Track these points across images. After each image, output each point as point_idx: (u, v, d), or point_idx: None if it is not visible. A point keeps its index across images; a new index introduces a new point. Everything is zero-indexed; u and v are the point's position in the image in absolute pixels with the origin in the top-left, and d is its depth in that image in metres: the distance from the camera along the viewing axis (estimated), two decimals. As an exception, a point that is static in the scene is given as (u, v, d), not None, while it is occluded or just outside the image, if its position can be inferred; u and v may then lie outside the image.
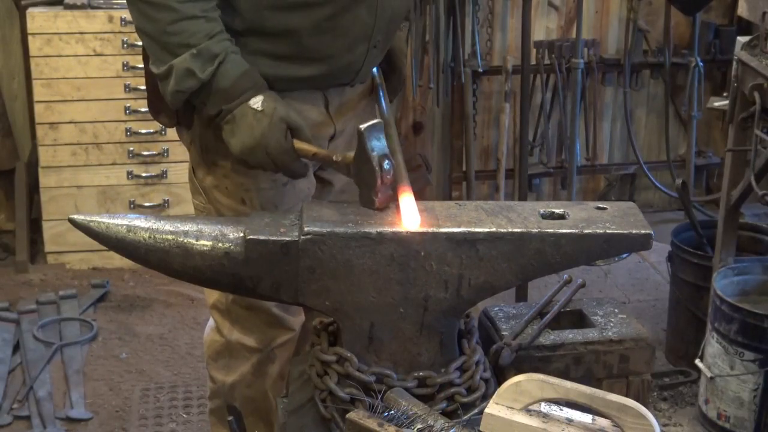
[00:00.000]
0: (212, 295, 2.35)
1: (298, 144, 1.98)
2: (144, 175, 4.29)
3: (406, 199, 1.81)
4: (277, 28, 2.04)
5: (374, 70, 2.28)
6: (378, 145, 1.82)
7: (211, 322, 2.44)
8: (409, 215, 1.79)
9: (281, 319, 2.31)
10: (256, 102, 1.97)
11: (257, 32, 2.05)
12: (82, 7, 4.12)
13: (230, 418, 2.11)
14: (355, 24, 2.06)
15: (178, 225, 1.83)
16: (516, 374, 1.67)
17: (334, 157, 1.93)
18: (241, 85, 1.97)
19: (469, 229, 1.77)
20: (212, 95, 1.98)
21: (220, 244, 1.80)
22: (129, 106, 4.21)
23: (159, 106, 2.18)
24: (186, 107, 2.11)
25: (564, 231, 1.79)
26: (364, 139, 1.82)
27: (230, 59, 1.97)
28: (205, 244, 1.80)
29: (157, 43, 1.98)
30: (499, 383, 1.75)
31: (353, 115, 2.26)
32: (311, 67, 2.09)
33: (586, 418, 1.65)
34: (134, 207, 4.28)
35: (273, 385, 2.39)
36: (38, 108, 4.19)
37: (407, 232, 1.77)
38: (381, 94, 2.28)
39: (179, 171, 4.28)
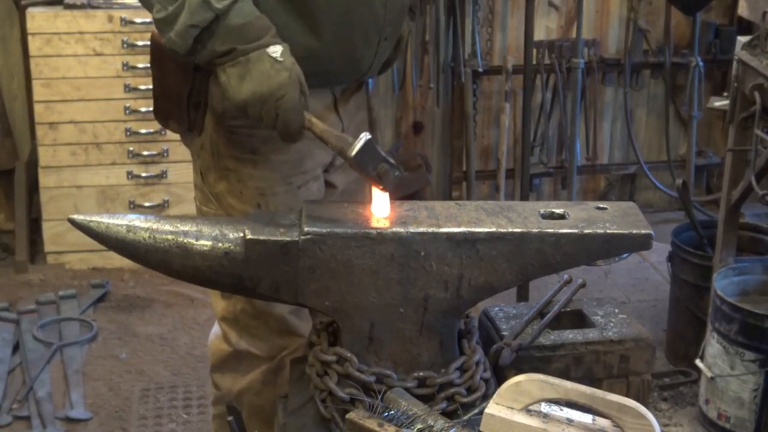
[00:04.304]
0: (219, 305, 2.31)
1: (309, 115, 1.93)
2: (144, 175, 4.29)
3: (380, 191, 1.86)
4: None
5: None
6: (372, 161, 1.85)
7: (216, 330, 2.40)
8: (380, 205, 1.84)
9: (294, 325, 2.27)
10: (276, 51, 1.89)
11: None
12: (81, 7, 4.12)
13: (230, 418, 2.11)
14: (369, 16, 2.06)
15: (178, 225, 1.82)
16: (516, 374, 1.66)
17: (333, 145, 1.90)
18: (258, 26, 1.89)
19: (469, 229, 1.77)
20: (224, 31, 1.88)
21: (220, 244, 1.80)
22: (129, 106, 4.21)
23: (168, 111, 2.16)
24: (197, 111, 2.10)
25: (564, 231, 1.79)
26: (360, 166, 1.86)
27: (246, 0, 1.90)
28: (205, 244, 1.80)
29: None
30: (499, 383, 1.75)
31: (356, 112, 2.27)
32: (328, 60, 2.07)
33: (587, 418, 1.65)
34: (134, 207, 4.28)
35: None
36: (38, 108, 4.19)
37: (407, 232, 1.77)
38: (370, 80, 2.29)
39: (179, 171, 4.27)
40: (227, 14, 1.86)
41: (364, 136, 1.86)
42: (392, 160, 1.88)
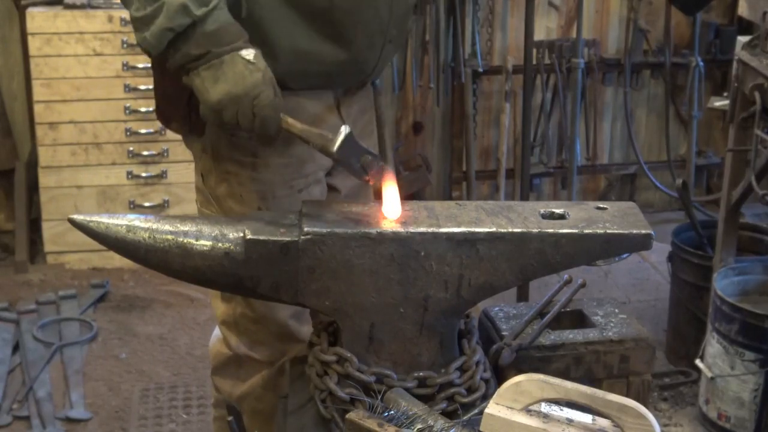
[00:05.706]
0: (219, 308, 2.31)
1: (285, 116, 1.94)
2: (144, 175, 4.29)
3: (390, 189, 1.85)
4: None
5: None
6: (355, 154, 1.87)
7: (218, 333, 2.40)
8: (392, 205, 1.83)
9: (295, 330, 2.25)
10: (249, 54, 1.90)
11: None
12: (81, 7, 4.12)
13: (230, 418, 2.10)
14: (373, 18, 2.05)
15: (178, 225, 1.82)
16: (516, 374, 1.66)
17: (314, 143, 1.90)
18: (232, 31, 1.91)
19: (469, 229, 1.77)
20: (199, 36, 1.89)
21: (220, 244, 1.80)
22: (129, 106, 4.21)
23: (170, 113, 2.16)
24: (197, 114, 2.09)
25: (564, 231, 1.79)
26: (343, 161, 1.88)
27: (223, 7, 1.92)
28: (205, 244, 1.80)
29: None
30: (499, 383, 1.74)
31: (360, 114, 2.25)
32: (331, 62, 2.07)
33: (587, 418, 1.65)
34: (134, 207, 4.28)
35: None
36: (38, 108, 4.19)
37: (407, 232, 1.77)
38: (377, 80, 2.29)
39: (179, 171, 4.27)
40: (204, 21, 1.87)
41: (344, 129, 1.87)
42: (374, 152, 1.90)
